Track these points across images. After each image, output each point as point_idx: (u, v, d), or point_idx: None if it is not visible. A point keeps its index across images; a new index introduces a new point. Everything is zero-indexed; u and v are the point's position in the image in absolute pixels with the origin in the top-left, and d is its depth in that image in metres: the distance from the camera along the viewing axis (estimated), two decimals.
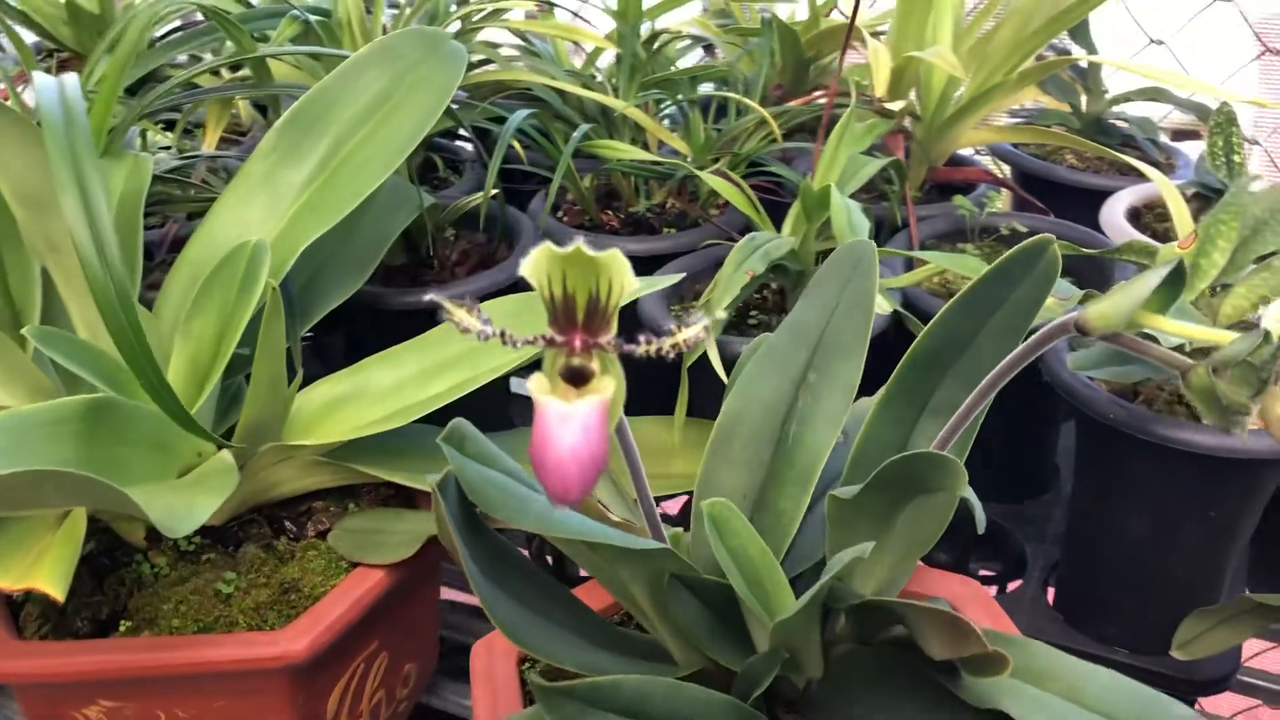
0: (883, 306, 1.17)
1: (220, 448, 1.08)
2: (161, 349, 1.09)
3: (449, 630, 1.38)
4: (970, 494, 0.76)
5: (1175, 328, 0.69)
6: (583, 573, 1.47)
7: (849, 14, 1.69)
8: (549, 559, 1.65)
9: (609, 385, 0.56)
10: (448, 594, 1.59)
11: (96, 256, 0.88)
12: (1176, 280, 0.69)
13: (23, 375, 1.03)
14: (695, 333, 0.56)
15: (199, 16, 1.94)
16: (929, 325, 0.90)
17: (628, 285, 0.54)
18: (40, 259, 1.07)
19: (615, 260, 0.53)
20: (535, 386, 0.56)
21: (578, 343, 0.57)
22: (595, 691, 0.73)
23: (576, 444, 0.54)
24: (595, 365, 0.57)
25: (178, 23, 1.76)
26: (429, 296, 0.55)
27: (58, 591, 0.92)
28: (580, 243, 0.52)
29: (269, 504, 1.17)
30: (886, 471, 0.72)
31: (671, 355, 0.56)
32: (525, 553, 1.38)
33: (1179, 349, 0.81)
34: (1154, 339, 0.81)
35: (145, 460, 1.01)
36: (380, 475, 1.13)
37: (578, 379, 0.57)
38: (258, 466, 1.12)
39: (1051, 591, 1.39)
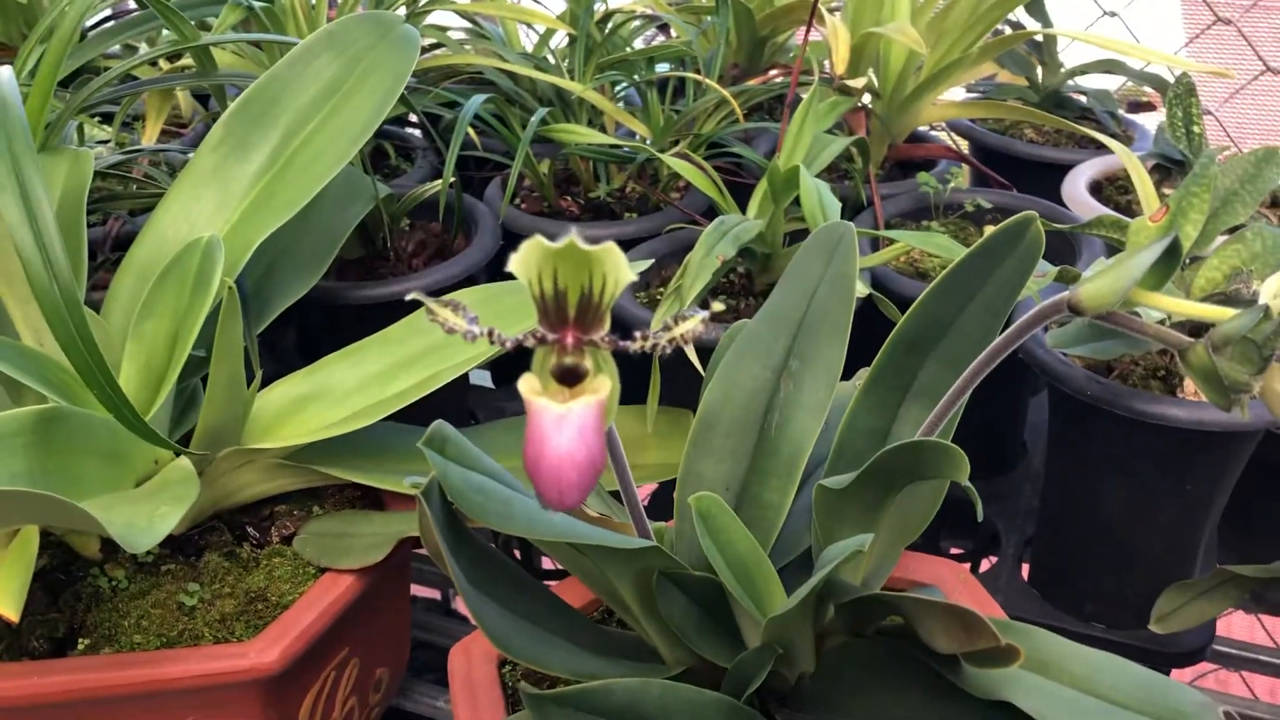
0: (859, 289, 1.15)
1: (178, 454, 1.03)
2: (112, 353, 1.04)
3: (417, 629, 1.34)
4: (972, 488, 0.75)
5: (1174, 305, 0.67)
6: (549, 564, 1.44)
7: None
8: (516, 553, 1.62)
9: (605, 385, 0.54)
10: (415, 591, 1.56)
11: (40, 259, 0.84)
12: (1171, 257, 0.68)
13: None
14: (693, 326, 0.53)
15: (130, 5, 1.88)
16: (911, 308, 0.88)
17: (623, 279, 0.51)
18: None
19: (610, 254, 0.50)
20: (526, 387, 0.53)
21: (570, 340, 0.54)
22: (586, 697, 0.71)
23: (574, 448, 0.51)
24: (589, 364, 0.54)
25: (108, 12, 1.70)
26: (411, 296, 0.52)
27: (11, 612, 0.87)
28: (574, 235, 0.49)
29: (230, 509, 1.13)
30: (883, 460, 0.70)
31: (669, 352, 0.54)
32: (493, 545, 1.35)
33: (1160, 324, 0.80)
34: (1135, 315, 0.80)
35: (100, 471, 0.96)
36: (346, 477, 1.10)
37: (570, 378, 0.54)
38: (218, 472, 1.08)
39: (1026, 568, 1.39)
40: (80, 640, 1.00)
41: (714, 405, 0.91)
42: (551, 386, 0.54)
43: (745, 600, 0.77)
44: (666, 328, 0.53)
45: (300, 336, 1.64)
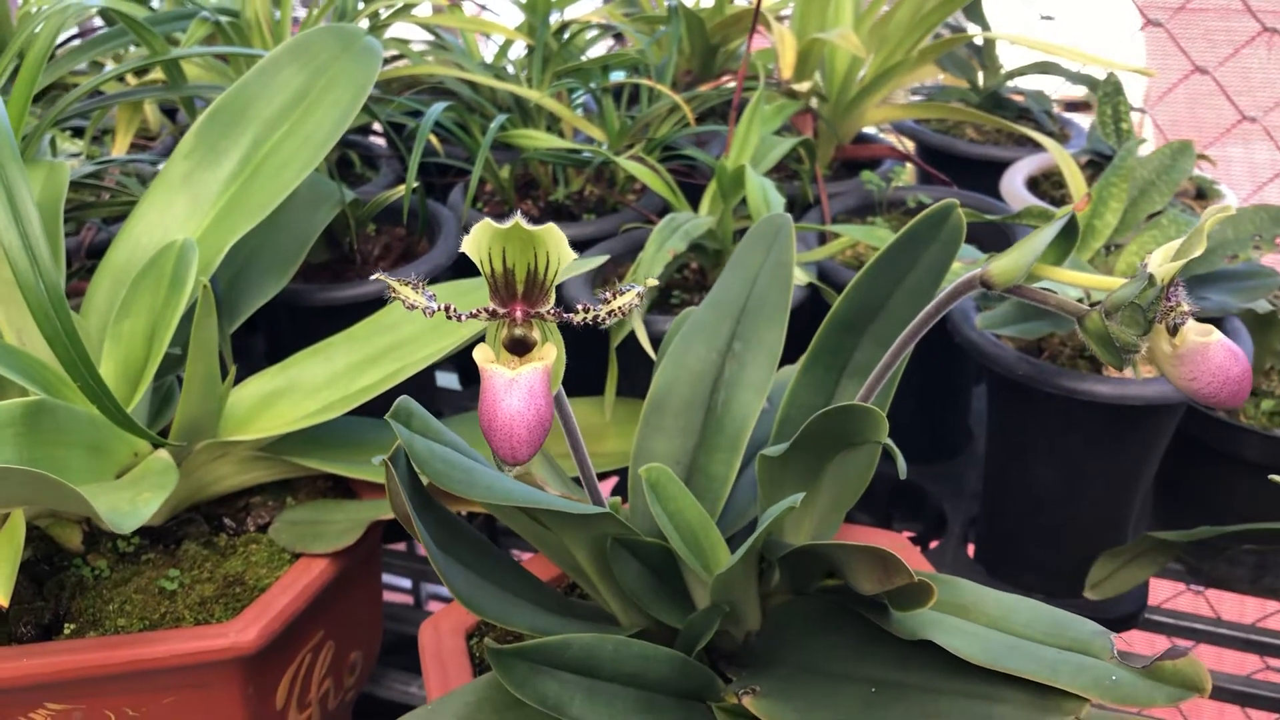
0: (800, 278, 1.21)
1: (157, 446, 1.08)
2: (90, 352, 1.09)
3: (391, 621, 1.40)
4: (892, 444, 0.81)
5: (1069, 276, 0.74)
6: (519, 554, 1.50)
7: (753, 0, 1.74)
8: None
9: (550, 352, 0.60)
10: (388, 597, 1.61)
11: (28, 261, 0.89)
12: (1069, 235, 0.75)
13: None
14: (629, 300, 0.59)
15: (97, 23, 1.92)
16: (844, 291, 0.95)
17: (564, 257, 0.58)
18: None
19: (551, 234, 0.56)
20: (481, 356, 0.59)
21: (519, 313, 0.60)
22: (544, 651, 0.76)
23: (523, 408, 0.57)
24: (536, 334, 0.60)
25: (74, 30, 1.75)
26: (375, 276, 0.58)
27: (1, 597, 0.92)
28: (518, 217, 0.55)
29: (207, 501, 1.18)
30: (812, 426, 0.76)
31: (608, 323, 0.60)
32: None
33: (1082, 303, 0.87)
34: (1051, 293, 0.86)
35: (84, 462, 1.01)
36: (317, 467, 1.15)
37: (520, 348, 0.60)
38: (195, 464, 1.13)
39: (972, 548, 1.46)
40: (66, 625, 1.04)
41: (664, 386, 0.97)
42: (503, 356, 0.60)
43: (692, 560, 0.83)
44: (605, 301, 0.60)
45: (268, 339, 1.69)
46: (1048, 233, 0.74)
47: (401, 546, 1.74)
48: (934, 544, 1.51)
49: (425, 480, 0.80)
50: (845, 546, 0.71)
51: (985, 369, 1.25)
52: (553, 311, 0.60)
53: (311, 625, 1.11)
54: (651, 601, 0.87)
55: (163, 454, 1.08)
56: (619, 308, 0.59)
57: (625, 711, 0.79)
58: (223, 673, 1.03)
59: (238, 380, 1.20)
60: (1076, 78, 1.85)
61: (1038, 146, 1.64)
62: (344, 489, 1.22)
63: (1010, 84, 1.87)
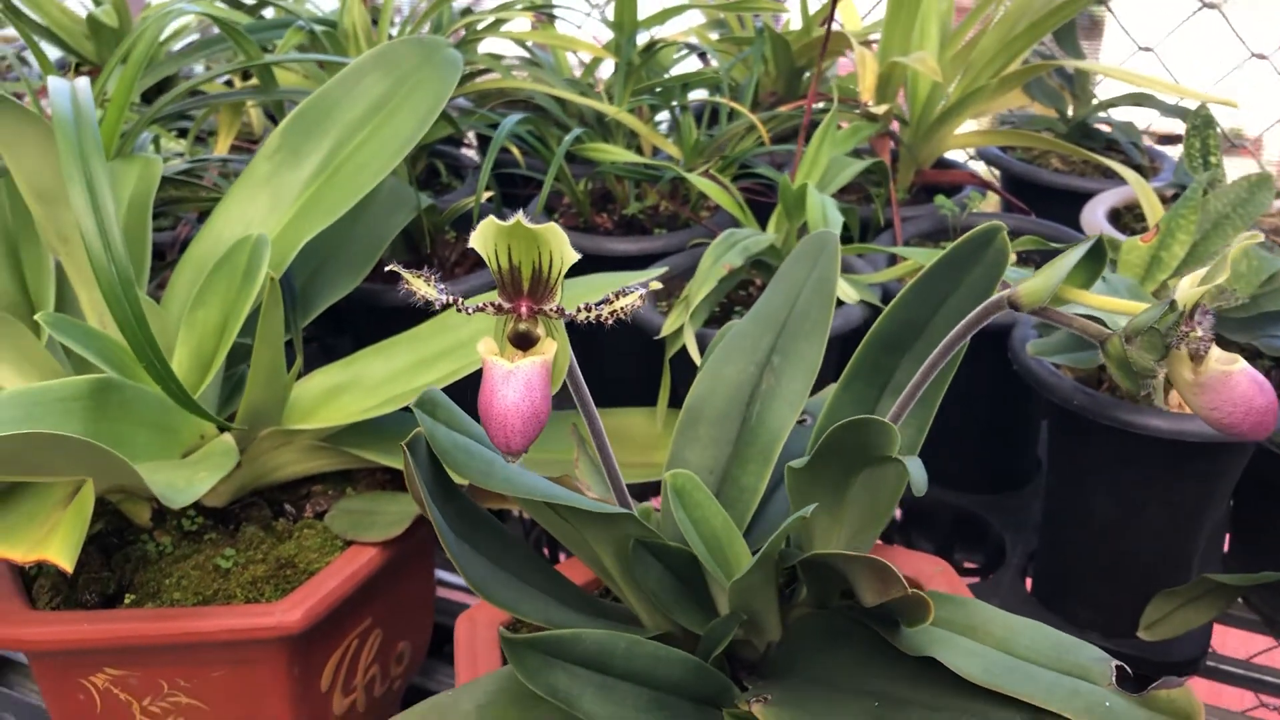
0: (848, 295, 1.22)
1: (222, 430, 1.14)
2: (167, 339, 1.15)
3: (443, 616, 1.43)
4: (915, 462, 0.81)
5: (1094, 300, 0.73)
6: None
7: (841, 23, 1.75)
8: (546, 550, 1.71)
9: (550, 348, 0.62)
10: (442, 592, 1.64)
11: (102, 245, 0.94)
12: (1097, 257, 0.74)
13: (37, 360, 1.09)
14: (630, 302, 0.61)
15: (216, 30, 2.02)
16: (886, 310, 0.95)
17: (567, 257, 0.60)
18: (54, 252, 1.13)
19: (553, 233, 0.58)
20: (484, 349, 0.62)
21: (524, 309, 0.62)
22: (558, 644, 0.78)
23: (519, 399, 0.59)
24: (540, 331, 0.62)
25: (197, 35, 1.84)
26: (388, 268, 0.61)
27: (67, 563, 0.97)
28: (519, 216, 0.57)
29: (270, 487, 1.23)
30: (832, 437, 0.76)
31: (610, 322, 0.62)
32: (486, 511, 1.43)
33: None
34: (1100, 320, 0.85)
35: (150, 440, 1.07)
36: (374, 459, 1.19)
37: (524, 343, 0.62)
38: (259, 450, 1.18)
39: (1030, 581, 1.43)
40: (127, 595, 1.10)
41: (701, 396, 0.98)
42: (508, 350, 0.63)
43: (713, 566, 0.84)
44: (608, 301, 0.61)
45: (354, 341, 1.75)
46: (1072, 255, 0.73)
47: None
48: (991, 576, 1.49)
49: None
50: (846, 556, 0.71)
51: (1046, 400, 1.23)
52: (556, 309, 0.62)
53: (359, 612, 1.15)
54: (673, 605, 0.89)
55: (226, 438, 1.13)
56: (621, 308, 0.61)
57: (636, 709, 0.80)
58: (269, 651, 1.07)
59: (309, 374, 1.25)
60: (1171, 110, 1.81)
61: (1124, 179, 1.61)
62: (400, 482, 1.26)
63: (1101, 114, 1.84)
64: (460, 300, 0.61)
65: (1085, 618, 1.31)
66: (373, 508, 1.18)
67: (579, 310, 0.62)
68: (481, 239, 0.59)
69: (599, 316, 0.62)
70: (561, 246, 0.59)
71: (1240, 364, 0.69)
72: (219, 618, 1.04)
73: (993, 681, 0.68)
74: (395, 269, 0.61)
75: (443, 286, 0.62)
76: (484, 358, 0.61)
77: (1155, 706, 0.63)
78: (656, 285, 0.62)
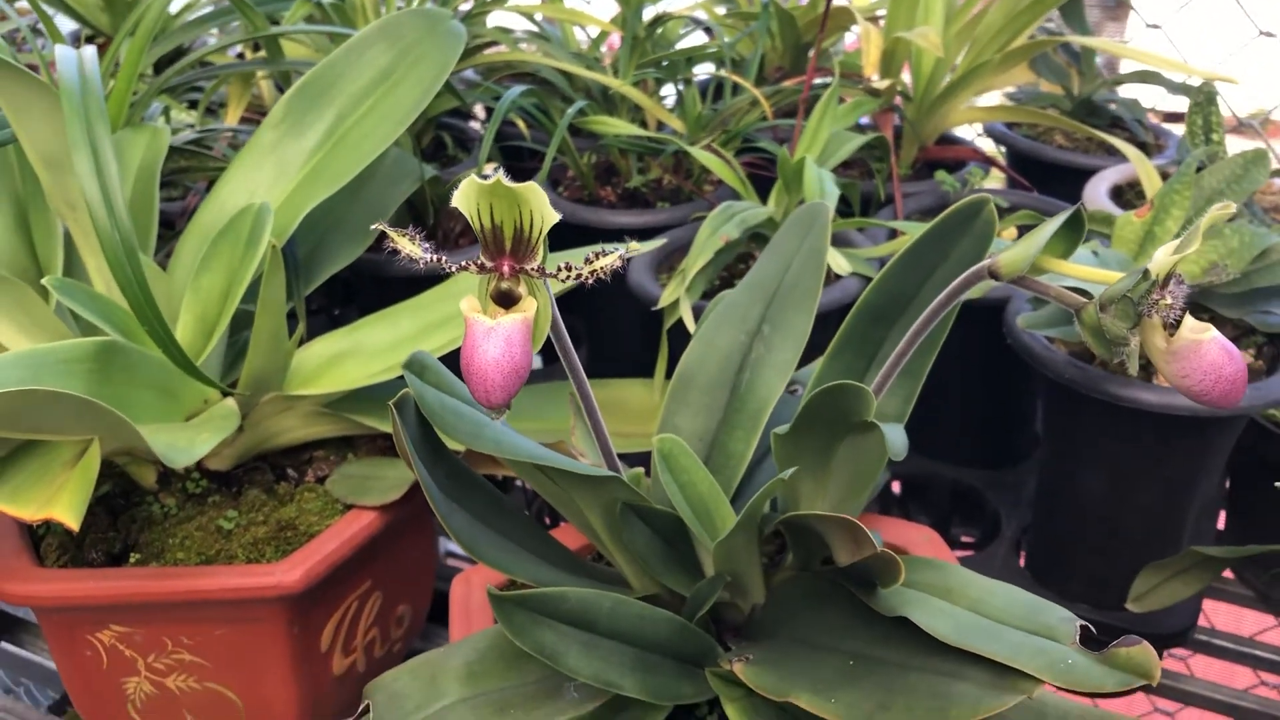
0: (843, 267, 1.23)
1: (225, 395, 1.16)
2: (172, 305, 1.17)
3: (446, 584, 1.45)
4: (895, 428, 0.83)
5: (1071, 269, 0.74)
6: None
7: None
8: (547, 521, 1.73)
9: (531, 306, 0.63)
10: (452, 562, 1.67)
11: (105, 211, 0.96)
12: (1076, 227, 0.75)
13: (44, 324, 1.11)
14: (610, 262, 0.63)
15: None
16: (874, 281, 0.96)
17: (548, 217, 0.61)
18: (62, 218, 1.15)
19: (533, 192, 0.60)
20: (466, 306, 0.63)
21: (505, 268, 0.64)
22: (544, 601, 0.80)
23: (499, 355, 0.61)
24: (522, 290, 0.64)
25: (210, 8, 1.86)
26: (375, 226, 0.62)
27: (73, 521, 0.99)
28: (500, 174, 0.59)
29: (272, 451, 1.25)
30: (812, 403, 0.78)
31: (590, 282, 0.63)
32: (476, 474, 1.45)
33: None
34: (1088, 293, 0.86)
35: (154, 403, 1.09)
36: (375, 425, 1.21)
37: (506, 301, 0.64)
38: (261, 415, 1.20)
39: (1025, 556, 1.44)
40: (132, 555, 1.13)
41: (692, 364, 1.00)
42: (490, 308, 0.64)
43: (699, 529, 0.86)
44: (588, 260, 0.63)
45: (361, 309, 1.77)
46: (1052, 225, 0.74)
47: None
48: (986, 550, 1.50)
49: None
50: (821, 516, 0.73)
51: (1040, 374, 1.24)
52: (537, 268, 0.64)
53: (359, 574, 1.18)
54: (660, 568, 0.90)
55: (229, 402, 1.15)
56: (601, 268, 0.63)
57: (620, 667, 0.82)
58: (269, 610, 1.09)
59: (311, 341, 1.27)
60: (1178, 88, 1.81)
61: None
62: None
63: (1107, 92, 1.83)
64: (444, 259, 0.63)
65: (1076, 591, 1.33)
66: (372, 473, 1.21)
67: (559, 269, 0.63)
68: (464, 198, 0.60)
69: (579, 275, 0.63)
70: (542, 206, 0.60)
71: (1211, 332, 0.70)
72: (221, 577, 1.07)
73: (963, 640, 0.70)
74: (381, 227, 0.62)
75: (428, 245, 0.63)
76: (466, 315, 0.63)
77: (1114, 663, 0.65)
78: (637, 248, 0.64)
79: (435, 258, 0.63)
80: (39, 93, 1.07)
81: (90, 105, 1.00)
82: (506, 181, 0.59)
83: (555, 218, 0.61)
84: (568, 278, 0.63)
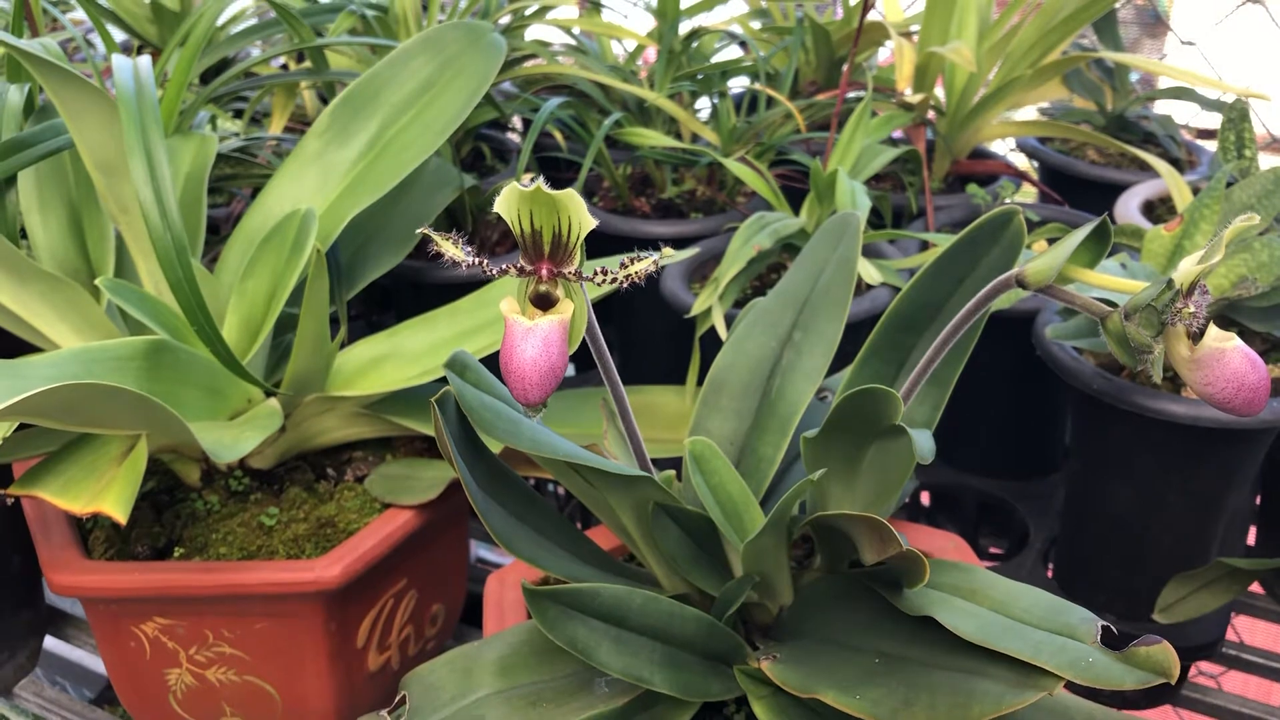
0: (873, 277, 1.24)
1: (269, 395, 1.19)
2: (219, 307, 1.21)
3: (479, 585, 1.48)
4: (922, 433, 0.84)
5: (1097, 279, 0.76)
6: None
7: (883, 14, 1.77)
8: (580, 525, 1.75)
9: (568, 308, 0.66)
10: (484, 566, 1.69)
11: (159, 214, 1.00)
12: (1101, 237, 0.77)
13: (96, 324, 1.15)
14: (645, 267, 0.65)
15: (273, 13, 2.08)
16: (903, 290, 0.98)
17: (586, 223, 0.64)
18: (114, 221, 1.19)
19: (571, 199, 0.62)
20: (506, 307, 0.66)
21: (544, 272, 0.66)
22: (577, 596, 0.82)
23: (537, 355, 0.63)
24: (560, 292, 0.67)
25: (255, 20, 1.90)
26: (419, 230, 0.65)
27: (120, 515, 1.03)
28: (540, 181, 0.61)
29: (313, 451, 1.28)
30: (841, 407, 0.80)
31: (625, 286, 0.66)
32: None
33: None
34: (1112, 303, 0.88)
35: (200, 401, 1.12)
36: (413, 427, 1.24)
37: (544, 304, 0.67)
38: (303, 415, 1.23)
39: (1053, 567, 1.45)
40: (176, 549, 1.16)
41: (723, 369, 1.02)
42: (529, 309, 0.67)
43: (729, 530, 0.88)
44: (623, 265, 0.65)
45: (399, 315, 1.81)
46: (1076, 235, 0.76)
47: None
48: (1013, 560, 1.51)
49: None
50: (847, 516, 0.75)
51: (1068, 386, 1.25)
52: (575, 272, 0.66)
53: (395, 572, 1.20)
54: (690, 567, 0.92)
55: (272, 402, 1.18)
56: (636, 273, 0.65)
57: (650, 663, 0.84)
58: (308, 605, 1.12)
59: (352, 344, 1.31)
60: (1211, 105, 1.81)
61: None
62: (437, 450, 1.31)
63: (1140, 108, 1.84)
64: (485, 262, 0.65)
65: (1103, 602, 1.33)
66: (410, 473, 1.23)
67: (595, 274, 0.66)
68: (505, 204, 0.63)
69: (614, 279, 0.66)
70: (580, 212, 0.63)
71: (1234, 341, 0.71)
72: (261, 571, 1.10)
73: (986, 639, 0.71)
74: (425, 231, 0.65)
75: (469, 249, 0.66)
76: (505, 315, 0.65)
77: (1133, 661, 0.66)
78: (671, 254, 0.66)
79: (477, 260, 0.65)
80: (95, 100, 1.11)
81: (145, 112, 1.03)
82: (547, 189, 0.61)
83: (592, 223, 0.64)
84: (604, 281, 0.66)
